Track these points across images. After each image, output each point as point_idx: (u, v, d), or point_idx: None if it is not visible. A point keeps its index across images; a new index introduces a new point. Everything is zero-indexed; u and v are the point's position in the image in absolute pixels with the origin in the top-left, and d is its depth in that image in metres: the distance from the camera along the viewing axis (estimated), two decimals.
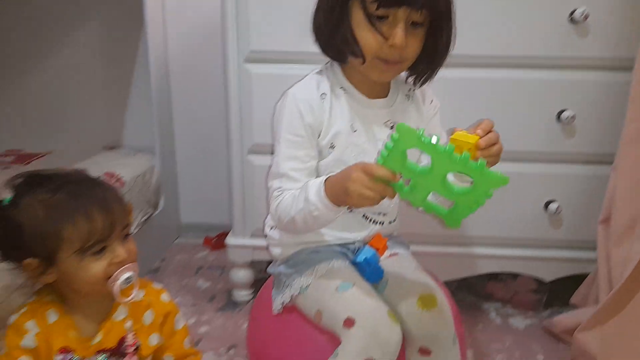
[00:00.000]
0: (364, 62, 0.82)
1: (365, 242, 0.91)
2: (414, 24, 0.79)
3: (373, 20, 0.78)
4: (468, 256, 1.37)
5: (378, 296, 0.84)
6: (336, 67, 0.90)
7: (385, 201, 0.75)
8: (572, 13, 1.16)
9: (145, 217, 1.59)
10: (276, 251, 0.98)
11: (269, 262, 1.03)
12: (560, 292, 1.48)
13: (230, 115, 1.28)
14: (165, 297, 0.85)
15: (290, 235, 0.94)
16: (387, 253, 0.92)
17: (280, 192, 0.87)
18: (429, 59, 0.85)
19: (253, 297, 1.46)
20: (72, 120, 1.78)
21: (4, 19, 1.70)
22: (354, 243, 0.94)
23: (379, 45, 0.79)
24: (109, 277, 0.72)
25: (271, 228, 0.99)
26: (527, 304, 1.48)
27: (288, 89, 0.90)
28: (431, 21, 0.80)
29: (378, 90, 0.90)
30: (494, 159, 0.76)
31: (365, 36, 0.79)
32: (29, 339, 0.73)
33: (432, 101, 0.97)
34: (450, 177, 0.71)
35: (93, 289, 0.74)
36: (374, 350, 0.77)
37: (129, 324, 0.79)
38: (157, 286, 0.86)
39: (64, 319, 0.76)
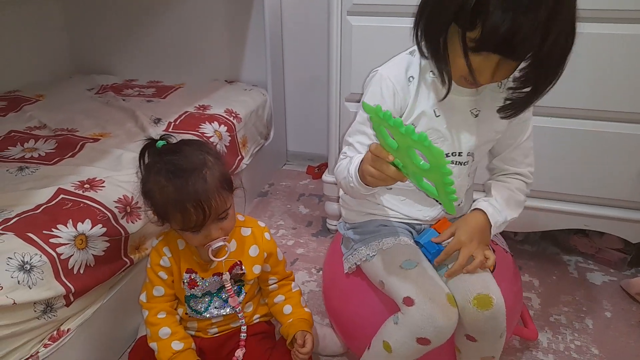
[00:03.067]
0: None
1: (430, 225, 0.97)
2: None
3: (467, 50, 0.74)
4: (555, 211, 1.40)
5: (439, 278, 0.88)
6: None
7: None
8: None
9: (258, 148, 1.83)
10: (347, 214, 1.06)
11: None
12: None
13: (331, 65, 1.40)
14: (267, 235, 1.00)
15: (359, 202, 1.00)
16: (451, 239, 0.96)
17: (344, 157, 0.93)
18: (530, 88, 0.80)
19: None
20: (200, 56, 2.03)
21: None
22: (420, 225, 0.99)
23: (466, 72, 0.77)
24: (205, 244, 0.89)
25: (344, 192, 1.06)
26: (610, 261, 1.49)
27: (379, 67, 0.93)
28: (536, 64, 0.76)
29: None
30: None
31: (456, 62, 0.78)
32: (165, 260, 0.95)
33: None
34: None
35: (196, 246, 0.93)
36: (429, 332, 0.82)
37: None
38: (261, 224, 1.01)
39: (189, 247, 0.95)
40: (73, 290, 0.96)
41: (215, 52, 2.01)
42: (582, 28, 0.75)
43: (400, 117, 0.90)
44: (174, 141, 0.90)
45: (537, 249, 1.59)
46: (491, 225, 0.92)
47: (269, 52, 1.84)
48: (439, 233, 0.93)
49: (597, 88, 1.23)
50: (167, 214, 0.86)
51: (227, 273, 0.95)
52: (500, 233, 1.07)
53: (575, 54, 0.77)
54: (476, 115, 0.90)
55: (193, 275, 0.96)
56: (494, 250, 0.94)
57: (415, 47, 0.91)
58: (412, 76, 0.89)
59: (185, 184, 0.82)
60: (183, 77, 2.03)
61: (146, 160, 0.89)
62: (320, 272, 1.47)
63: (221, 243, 0.89)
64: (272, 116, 1.94)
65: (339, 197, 1.57)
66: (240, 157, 1.66)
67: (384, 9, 1.29)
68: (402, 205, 0.99)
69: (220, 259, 0.91)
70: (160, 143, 0.88)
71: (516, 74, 0.81)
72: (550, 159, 1.32)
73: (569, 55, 0.76)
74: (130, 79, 2.06)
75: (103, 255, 1.05)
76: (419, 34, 0.83)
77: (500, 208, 0.94)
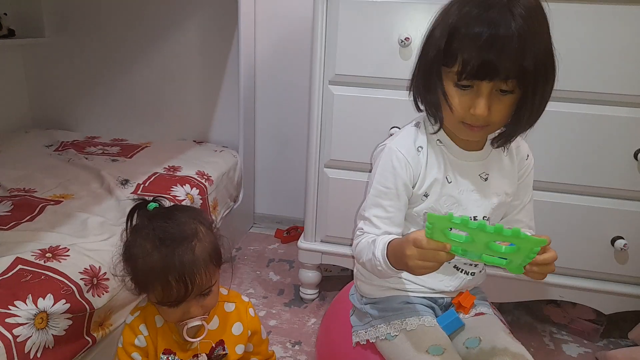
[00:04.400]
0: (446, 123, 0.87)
1: (452, 299, 0.96)
2: (502, 91, 0.78)
3: (457, 89, 0.80)
4: (529, 281, 1.40)
5: None
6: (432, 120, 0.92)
7: None
8: None
9: (227, 211, 1.76)
10: (364, 288, 1.02)
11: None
12: (619, 323, 1.49)
13: (311, 131, 1.40)
14: (252, 311, 0.95)
15: (379, 277, 0.96)
16: (473, 312, 0.96)
17: (361, 233, 0.92)
18: (513, 120, 0.84)
19: (317, 297, 1.60)
20: (167, 115, 1.99)
21: (113, 19, 1.91)
22: (443, 298, 0.97)
23: (463, 112, 0.81)
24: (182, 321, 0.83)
25: None
26: (584, 332, 1.50)
27: (385, 141, 0.95)
28: (520, 84, 0.78)
29: (474, 143, 0.91)
30: (539, 276, 0.77)
31: (452, 103, 0.81)
32: (141, 339, 0.87)
33: (527, 156, 0.96)
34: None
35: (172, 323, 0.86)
36: None
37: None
38: (245, 299, 0.96)
39: (168, 324, 0.88)
40: None
41: (184, 111, 1.97)
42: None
43: (413, 187, 0.91)
44: (167, 205, 0.86)
45: (512, 318, 1.59)
46: None
47: (242, 113, 1.82)
48: (463, 308, 0.92)
49: (570, 162, 1.28)
50: (147, 283, 0.80)
51: (204, 355, 0.88)
52: None
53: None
54: (485, 179, 0.93)
55: (171, 357, 0.88)
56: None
57: (419, 119, 0.95)
58: (420, 146, 0.91)
59: (171, 254, 0.77)
60: (149, 136, 1.97)
61: (134, 222, 0.85)
62: (297, 347, 1.38)
63: (198, 322, 0.83)
64: (242, 178, 1.89)
65: (317, 265, 1.54)
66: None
67: (366, 80, 1.32)
68: (425, 277, 0.95)
69: (196, 340, 0.85)
70: (152, 205, 0.84)
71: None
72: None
73: (551, 84, 0.79)
74: (92, 136, 1.98)
75: (64, 335, 0.93)
76: (414, 88, 0.89)
77: None
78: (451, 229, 0.71)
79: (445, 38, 0.78)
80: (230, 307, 0.92)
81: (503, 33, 0.73)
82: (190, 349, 0.88)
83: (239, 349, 0.91)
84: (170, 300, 0.79)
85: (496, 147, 0.91)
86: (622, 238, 1.31)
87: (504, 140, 0.89)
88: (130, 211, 0.86)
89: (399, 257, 0.80)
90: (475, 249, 0.73)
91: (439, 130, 0.90)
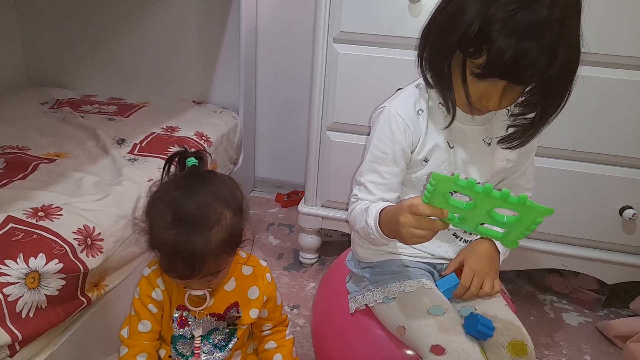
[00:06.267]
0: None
1: (453, 270, 0.92)
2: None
3: (471, 77, 0.74)
4: (532, 250, 1.39)
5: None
6: None
7: None
8: None
9: (227, 174, 1.72)
10: (361, 252, 0.99)
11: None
12: (620, 293, 1.48)
13: (314, 92, 1.34)
14: (269, 277, 0.92)
15: (373, 245, 0.93)
16: None
17: (355, 200, 0.90)
18: (528, 126, 0.80)
19: (317, 261, 1.58)
20: (166, 74, 1.92)
21: None
22: (442, 264, 0.95)
23: (473, 99, 0.77)
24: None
25: None
26: (585, 302, 1.49)
27: (384, 103, 0.90)
28: (542, 88, 0.75)
29: None
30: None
31: (460, 91, 0.77)
32: (157, 292, 0.86)
33: None
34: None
35: None
36: None
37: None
38: (263, 263, 0.93)
39: None
40: (20, 337, 0.83)
41: (184, 70, 1.90)
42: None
43: (412, 152, 0.87)
44: (207, 161, 0.84)
45: (513, 287, 1.57)
46: (499, 252, 0.91)
47: (242, 73, 1.76)
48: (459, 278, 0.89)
49: (582, 129, 1.24)
50: (157, 250, 0.78)
51: (200, 330, 0.87)
52: None
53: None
54: (489, 144, 0.89)
55: (185, 313, 0.86)
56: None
57: (421, 80, 0.89)
58: (421, 109, 0.87)
59: (185, 238, 0.73)
60: (147, 96, 1.91)
61: (170, 171, 0.84)
62: (295, 310, 1.37)
63: (200, 293, 0.82)
64: (242, 140, 1.85)
65: (317, 230, 1.51)
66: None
67: (372, 38, 1.26)
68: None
69: (197, 309, 0.85)
70: (191, 161, 0.81)
71: (520, 100, 0.80)
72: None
73: (574, 80, 0.75)
74: (88, 95, 1.92)
75: (57, 295, 0.91)
76: (423, 63, 0.82)
77: None
78: (452, 193, 0.68)
79: (477, 26, 0.69)
80: (247, 270, 0.90)
81: (542, 32, 0.67)
82: (203, 308, 0.86)
83: (253, 313, 0.89)
84: (173, 276, 0.78)
85: (505, 148, 0.86)
86: (631, 208, 1.28)
87: (516, 144, 0.83)
88: (169, 158, 0.83)
89: (392, 225, 0.77)
90: (474, 217, 0.69)
91: (452, 121, 0.83)
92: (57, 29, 1.93)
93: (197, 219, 0.73)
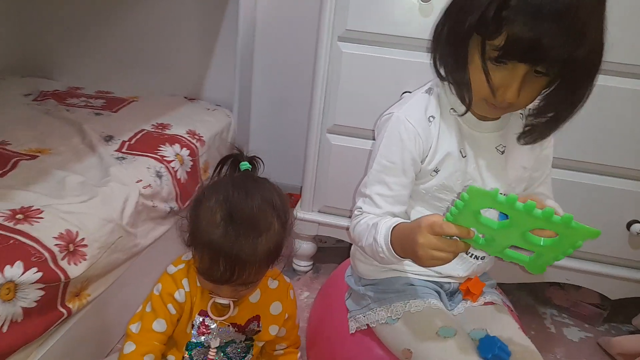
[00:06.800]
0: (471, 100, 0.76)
1: (460, 284, 0.89)
2: (537, 72, 0.69)
3: (490, 63, 0.70)
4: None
5: None
6: (447, 86, 0.82)
7: None
8: None
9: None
10: (362, 269, 0.94)
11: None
12: (623, 308, 1.45)
13: (315, 92, 1.28)
14: (292, 294, 0.89)
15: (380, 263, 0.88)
16: (481, 300, 0.89)
17: (360, 213, 0.84)
18: (552, 115, 0.76)
19: (311, 269, 1.52)
20: (158, 68, 1.83)
21: None
22: (449, 283, 0.90)
23: (488, 92, 0.71)
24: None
25: None
26: (586, 316, 1.45)
27: (392, 109, 0.85)
28: (564, 74, 0.70)
29: None
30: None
31: (477, 80, 0.72)
32: (181, 293, 0.82)
33: None
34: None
35: None
36: None
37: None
38: (286, 279, 0.90)
39: None
40: None
41: (176, 64, 1.82)
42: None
43: (422, 161, 0.82)
44: (259, 168, 0.85)
45: (512, 299, 1.53)
46: None
47: (238, 70, 1.68)
48: (468, 297, 0.85)
49: (591, 140, 1.19)
50: (199, 247, 0.75)
51: (217, 340, 0.83)
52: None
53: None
54: (502, 152, 0.84)
55: (207, 320, 0.83)
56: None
57: (431, 84, 0.84)
58: (432, 116, 0.81)
59: (234, 239, 0.71)
60: (136, 89, 1.82)
61: (222, 172, 0.84)
62: None
63: (225, 302, 0.80)
64: (235, 140, 1.77)
65: (313, 236, 1.45)
66: (201, 184, 1.48)
67: (379, 38, 1.20)
68: None
69: (219, 319, 0.82)
70: (245, 165, 0.82)
71: (537, 101, 0.76)
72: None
73: (595, 77, 0.71)
74: (74, 87, 1.82)
75: (35, 306, 0.84)
76: (437, 55, 0.78)
77: None
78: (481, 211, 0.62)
79: (496, 4, 0.65)
80: (273, 284, 0.87)
81: (565, 12, 0.62)
82: (226, 317, 0.83)
83: (273, 330, 0.87)
84: (209, 277, 0.75)
85: (523, 144, 0.82)
86: (639, 222, 1.24)
87: (536, 137, 0.80)
88: (222, 160, 0.84)
89: (407, 244, 0.70)
90: (505, 239, 0.63)
91: (466, 112, 0.78)
92: (42, 16, 1.83)
93: (249, 223, 0.71)
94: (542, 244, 0.62)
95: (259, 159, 0.86)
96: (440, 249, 0.66)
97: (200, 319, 0.83)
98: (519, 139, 0.82)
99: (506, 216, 0.60)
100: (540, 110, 0.78)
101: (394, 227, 0.75)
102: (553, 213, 0.56)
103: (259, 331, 0.86)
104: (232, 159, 0.84)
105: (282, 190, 0.81)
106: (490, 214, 0.68)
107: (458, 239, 0.66)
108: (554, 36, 0.63)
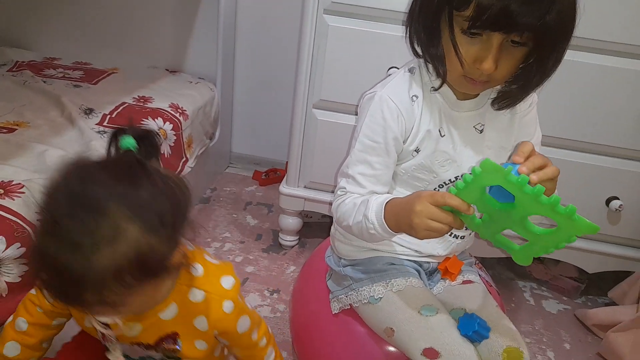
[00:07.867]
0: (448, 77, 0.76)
1: (438, 264, 0.89)
2: (514, 42, 0.68)
3: (465, 37, 0.69)
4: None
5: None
6: (424, 64, 0.81)
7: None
8: None
9: (202, 149, 1.63)
10: (342, 249, 0.93)
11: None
12: (599, 281, 1.49)
13: (300, 67, 1.26)
14: (228, 306, 0.69)
15: (368, 241, 0.87)
16: (460, 279, 0.90)
17: (343, 193, 0.83)
18: (523, 81, 0.75)
19: (297, 243, 1.53)
20: (139, 39, 1.78)
21: None
22: (429, 263, 0.91)
23: (467, 65, 0.70)
24: None
25: None
26: (564, 289, 1.50)
27: (374, 89, 0.83)
28: (537, 41, 0.69)
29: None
30: (549, 184, 0.65)
31: (452, 56, 0.71)
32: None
33: (529, 105, 0.86)
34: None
35: None
36: None
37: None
38: (225, 286, 0.70)
39: None
40: None
41: (157, 35, 1.77)
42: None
43: (405, 141, 0.81)
44: (154, 150, 0.63)
45: (493, 273, 1.56)
46: None
47: (221, 42, 1.64)
48: (446, 276, 0.84)
49: (570, 117, 1.21)
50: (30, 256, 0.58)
51: (118, 352, 0.70)
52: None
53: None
54: (481, 131, 0.83)
55: (107, 331, 0.68)
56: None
57: (414, 64, 0.83)
58: (415, 95, 0.80)
59: (59, 250, 0.52)
60: (116, 61, 1.77)
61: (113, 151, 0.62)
62: (275, 295, 1.32)
63: (107, 320, 0.65)
64: (219, 114, 1.75)
65: (299, 211, 1.45)
66: (184, 159, 1.46)
67: (367, 11, 1.18)
68: (413, 238, 0.85)
69: (109, 333, 0.67)
70: (126, 143, 0.60)
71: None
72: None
73: (567, 45, 0.71)
74: (51, 57, 1.76)
75: (19, 281, 0.82)
76: (412, 31, 0.77)
77: None
78: (489, 189, 0.61)
79: None
80: (197, 295, 0.68)
81: None
82: (129, 335, 0.69)
83: (200, 345, 0.71)
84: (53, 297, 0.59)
85: (497, 109, 0.81)
86: (617, 199, 1.27)
87: (508, 103, 0.79)
88: (113, 134, 0.63)
89: (404, 214, 0.70)
90: (502, 222, 0.63)
91: (441, 86, 0.78)
92: None
93: (78, 229, 0.52)
94: (538, 232, 0.62)
95: (157, 134, 0.66)
96: (437, 219, 0.66)
97: (102, 332, 0.69)
98: (492, 103, 0.81)
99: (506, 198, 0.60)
100: (512, 78, 0.77)
101: (388, 201, 0.75)
102: (559, 202, 0.56)
103: (178, 350, 0.70)
104: (115, 137, 0.63)
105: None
106: None
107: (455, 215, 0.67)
108: (522, 2, 0.63)
